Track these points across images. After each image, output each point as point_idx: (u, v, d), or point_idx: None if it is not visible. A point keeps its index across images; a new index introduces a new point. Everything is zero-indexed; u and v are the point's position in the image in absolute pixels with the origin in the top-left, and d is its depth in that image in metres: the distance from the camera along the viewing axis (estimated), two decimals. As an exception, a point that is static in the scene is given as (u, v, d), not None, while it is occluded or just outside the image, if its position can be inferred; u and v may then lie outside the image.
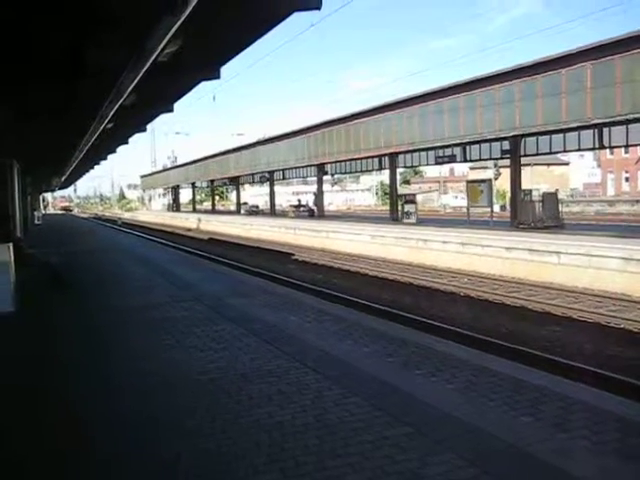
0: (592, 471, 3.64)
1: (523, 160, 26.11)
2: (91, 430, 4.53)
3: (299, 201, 52.51)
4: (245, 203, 59.40)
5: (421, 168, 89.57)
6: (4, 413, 4.96)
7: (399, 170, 40.84)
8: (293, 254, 25.66)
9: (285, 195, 79.93)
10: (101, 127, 14.87)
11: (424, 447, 3.97)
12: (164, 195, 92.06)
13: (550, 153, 26.72)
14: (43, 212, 66.45)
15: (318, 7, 8.59)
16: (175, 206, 73.88)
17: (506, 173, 31.65)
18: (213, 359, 6.31)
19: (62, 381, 5.87)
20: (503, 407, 4.67)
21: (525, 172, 28.63)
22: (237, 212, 54.30)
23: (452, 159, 30.07)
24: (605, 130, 21.38)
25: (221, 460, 3.90)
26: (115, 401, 5.17)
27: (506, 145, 24.99)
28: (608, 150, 53.41)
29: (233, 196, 71.72)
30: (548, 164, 70.79)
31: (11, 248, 9.34)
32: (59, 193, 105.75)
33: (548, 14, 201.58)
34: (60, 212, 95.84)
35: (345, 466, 3.73)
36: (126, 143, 25.70)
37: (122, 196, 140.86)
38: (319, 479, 3.59)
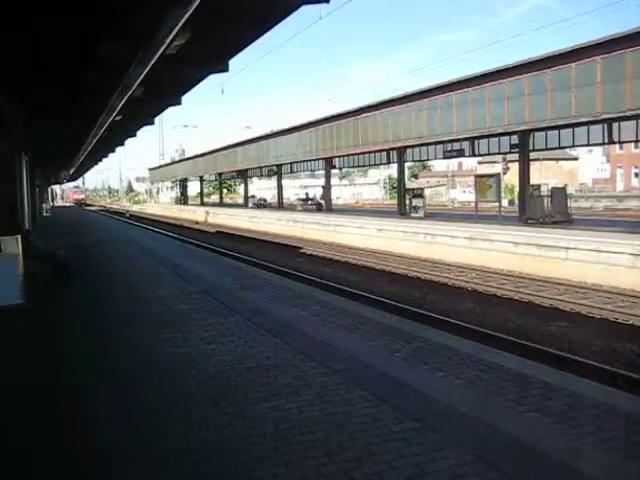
0: (599, 468, 3.61)
1: (532, 155, 25.98)
2: (100, 424, 4.55)
3: (307, 195, 52.47)
4: (253, 196, 59.41)
5: (429, 162, 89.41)
6: (14, 408, 4.99)
7: (407, 164, 40.78)
8: (301, 247, 25.67)
9: (293, 189, 79.97)
10: (109, 119, 14.90)
11: (431, 442, 3.95)
12: (172, 188, 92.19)
13: (559, 148, 26.62)
14: (52, 204, 66.68)
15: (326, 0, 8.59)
16: (183, 199, 74.02)
17: (515, 168, 31.55)
18: (220, 352, 6.31)
19: (71, 375, 5.91)
20: (510, 403, 4.65)
21: (534, 167, 28.43)
22: (245, 205, 54.32)
23: (460, 153, 30.03)
24: (615, 125, 21.26)
25: (226, 454, 3.90)
26: (120, 393, 5.19)
27: (515, 140, 24.90)
28: (617, 145, 53.14)
29: (241, 189, 71.76)
30: (557, 159, 70.42)
31: (19, 240, 9.33)
32: (71, 184, 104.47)
33: (559, 7, 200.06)
34: (69, 204, 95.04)
35: (352, 460, 3.72)
36: (134, 136, 25.79)
37: (130, 189, 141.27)
38: (326, 473, 3.58)
